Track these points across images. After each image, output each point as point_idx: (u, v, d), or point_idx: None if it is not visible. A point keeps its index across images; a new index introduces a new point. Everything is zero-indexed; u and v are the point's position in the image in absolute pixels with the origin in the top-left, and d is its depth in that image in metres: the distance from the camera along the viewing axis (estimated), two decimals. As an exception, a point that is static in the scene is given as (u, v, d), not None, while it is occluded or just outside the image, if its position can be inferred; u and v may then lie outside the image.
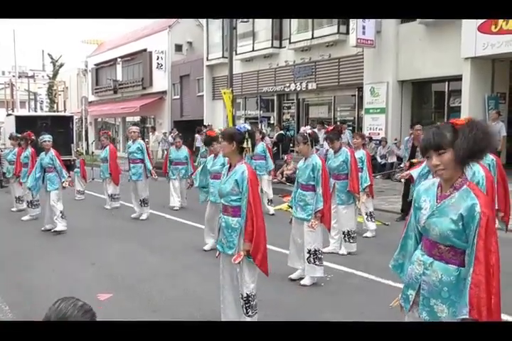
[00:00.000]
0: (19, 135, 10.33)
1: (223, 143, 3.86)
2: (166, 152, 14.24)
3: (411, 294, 2.51)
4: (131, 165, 9.07)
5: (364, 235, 7.39)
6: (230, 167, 3.93)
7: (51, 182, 7.98)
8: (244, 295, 3.84)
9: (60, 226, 7.79)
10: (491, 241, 2.20)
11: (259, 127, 18.47)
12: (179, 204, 10.20)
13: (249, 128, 3.84)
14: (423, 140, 2.35)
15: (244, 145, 3.77)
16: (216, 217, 5.51)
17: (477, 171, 4.08)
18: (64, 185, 8.03)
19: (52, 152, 8.06)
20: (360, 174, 7.10)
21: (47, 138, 8.09)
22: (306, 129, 5.31)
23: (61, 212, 7.86)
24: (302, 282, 5.25)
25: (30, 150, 9.58)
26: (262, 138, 10.23)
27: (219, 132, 6.65)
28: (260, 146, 9.55)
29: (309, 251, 5.17)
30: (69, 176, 8.10)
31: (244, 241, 3.74)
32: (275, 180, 9.52)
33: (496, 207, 4.81)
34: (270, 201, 9.62)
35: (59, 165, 8.02)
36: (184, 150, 10.34)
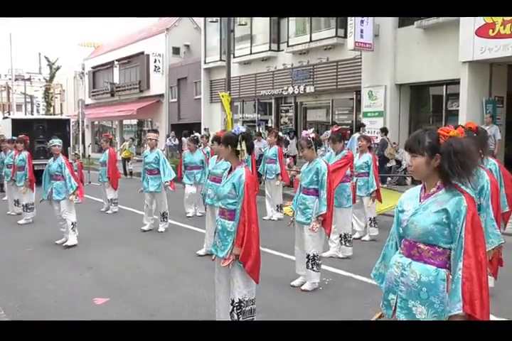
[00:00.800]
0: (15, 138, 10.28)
1: (221, 147, 3.85)
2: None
3: (392, 298, 2.46)
4: (149, 176, 8.28)
5: (362, 238, 7.38)
6: (230, 170, 3.90)
7: (58, 192, 7.24)
8: (236, 300, 3.74)
9: (71, 240, 7.20)
10: (479, 236, 2.22)
11: (257, 130, 18.45)
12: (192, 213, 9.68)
13: (243, 130, 3.80)
14: (408, 138, 2.45)
15: (238, 147, 3.73)
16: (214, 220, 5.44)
17: (481, 176, 4.03)
18: (70, 198, 7.17)
19: (62, 159, 7.38)
20: (366, 178, 7.12)
21: (57, 142, 7.40)
22: (309, 133, 5.23)
23: (73, 224, 7.22)
24: (303, 287, 5.19)
25: (25, 153, 9.52)
26: (278, 141, 9.72)
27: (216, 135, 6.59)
28: (273, 149, 9.36)
29: (308, 256, 5.12)
30: (78, 187, 7.25)
31: (235, 245, 3.68)
32: (277, 182, 9.30)
33: (507, 209, 4.81)
34: (279, 207, 9.23)
35: (68, 173, 7.22)
36: (199, 154, 9.54)
